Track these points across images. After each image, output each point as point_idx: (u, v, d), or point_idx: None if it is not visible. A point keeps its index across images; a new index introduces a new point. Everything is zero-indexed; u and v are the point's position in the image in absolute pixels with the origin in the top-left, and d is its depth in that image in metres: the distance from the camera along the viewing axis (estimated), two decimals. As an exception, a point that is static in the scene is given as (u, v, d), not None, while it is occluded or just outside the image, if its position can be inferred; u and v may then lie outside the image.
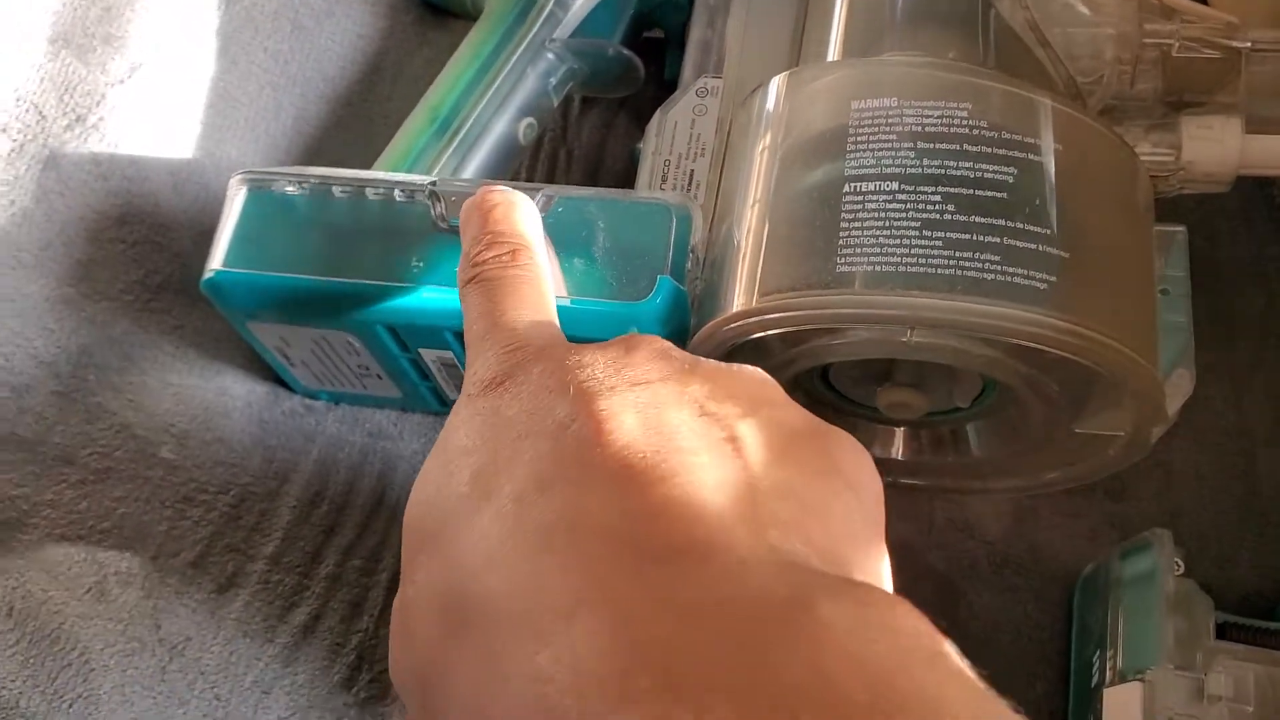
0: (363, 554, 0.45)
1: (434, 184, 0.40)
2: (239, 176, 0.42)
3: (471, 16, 0.51)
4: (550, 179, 0.51)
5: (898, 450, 0.43)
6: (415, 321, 0.39)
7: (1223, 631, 0.39)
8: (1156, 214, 0.40)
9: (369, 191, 0.40)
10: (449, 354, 0.40)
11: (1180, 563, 0.40)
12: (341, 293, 0.39)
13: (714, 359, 0.37)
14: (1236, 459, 0.45)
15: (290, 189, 0.41)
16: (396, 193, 0.40)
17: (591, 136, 0.51)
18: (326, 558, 0.45)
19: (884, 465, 0.43)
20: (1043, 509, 0.44)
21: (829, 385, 0.41)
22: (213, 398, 0.47)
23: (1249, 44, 0.41)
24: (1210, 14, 0.41)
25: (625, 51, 0.48)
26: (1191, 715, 0.38)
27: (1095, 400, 0.37)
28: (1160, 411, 0.37)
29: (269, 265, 0.40)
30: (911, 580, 0.43)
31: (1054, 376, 0.36)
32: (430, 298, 0.38)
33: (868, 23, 0.42)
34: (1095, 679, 0.40)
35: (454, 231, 0.39)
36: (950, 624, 0.41)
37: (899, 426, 0.43)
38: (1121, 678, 0.39)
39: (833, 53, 0.42)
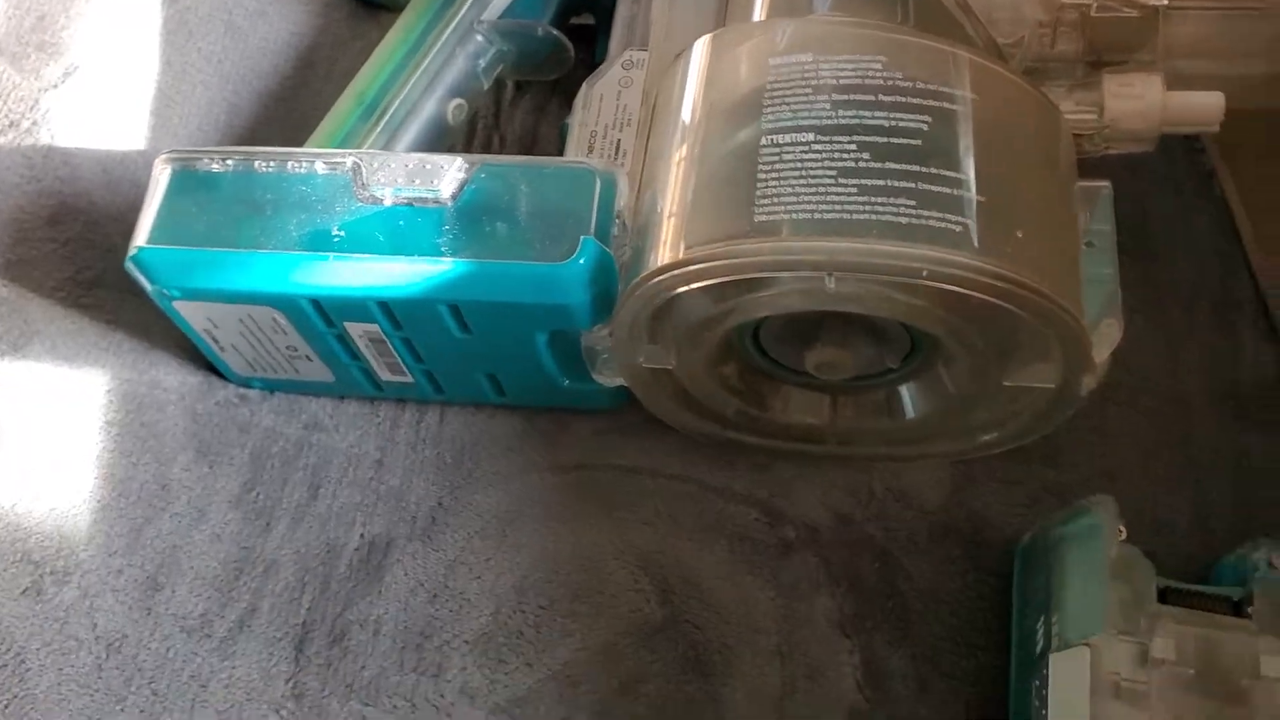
0: (297, 548, 0.44)
1: (356, 157, 0.40)
2: (164, 156, 0.41)
3: (402, 9, 0.51)
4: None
5: (833, 416, 0.43)
6: (336, 291, 0.39)
7: (1163, 596, 0.39)
8: (1088, 176, 0.40)
9: (291, 165, 0.40)
10: (375, 328, 0.40)
11: (1122, 529, 0.40)
12: (264, 265, 0.39)
13: (643, 318, 0.37)
14: (1172, 424, 0.45)
15: (214, 166, 0.41)
16: (319, 165, 0.40)
17: (524, 120, 0.52)
18: (260, 552, 0.44)
19: (820, 433, 0.43)
20: (980, 477, 0.44)
21: (762, 351, 0.41)
22: (145, 391, 0.46)
23: (1165, 2, 0.41)
24: (1129, -26, 0.42)
25: (554, 32, 0.48)
26: (1136, 680, 0.37)
27: (1022, 351, 0.37)
28: (1088, 360, 0.37)
29: (192, 240, 0.39)
30: (851, 553, 0.43)
31: (978, 325, 0.36)
32: (352, 266, 0.38)
33: (791, -9, 0.43)
34: (1039, 646, 0.40)
35: (376, 203, 0.39)
36: (889, 595, 0.42)
37: (831, 390, 0.42)
38: (1065, 644, 0.39)
39: (757, 18, 0.42)
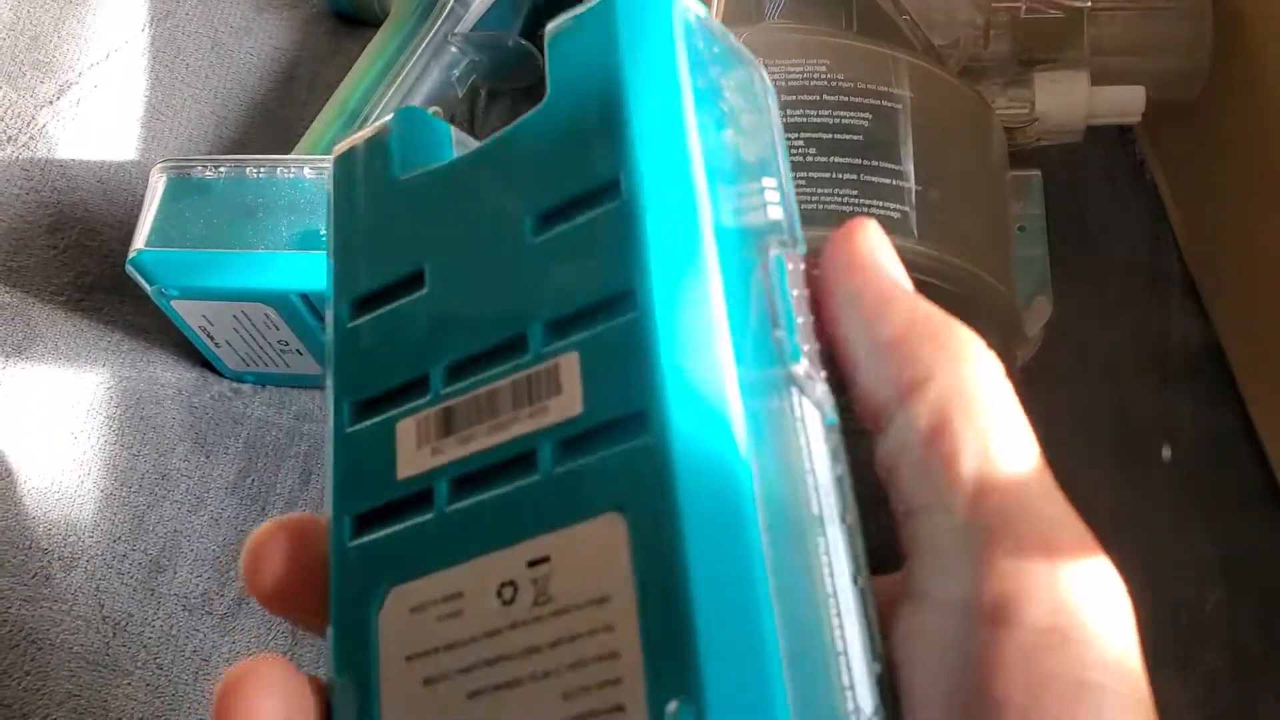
0: (292, 529, 0.47)
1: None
2: (160, 165, 0.44)
3: (380, 23, 0.54)
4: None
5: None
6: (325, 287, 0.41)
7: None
8: (1023, 166, 0.43)
9: (281, 171, 0.43)
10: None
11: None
12: (256, 263, 0.41)
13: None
14: (1106, 394, 0.48)
15: (208, 173, 0.43)
16: (307, 170, 0.43)
17: (497, 127, 0.54)
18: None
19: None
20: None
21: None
22: (144, 387, 0.49)
23: (1089, 4, 0.45)
24: (1055, -22, 0.45)
25: (523, 43, 0.51)
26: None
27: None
28: (1019, 332, 0.40)
29: (188, 242, 0.42)
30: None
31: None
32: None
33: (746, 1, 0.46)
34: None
35: (361, 203, 0.42)
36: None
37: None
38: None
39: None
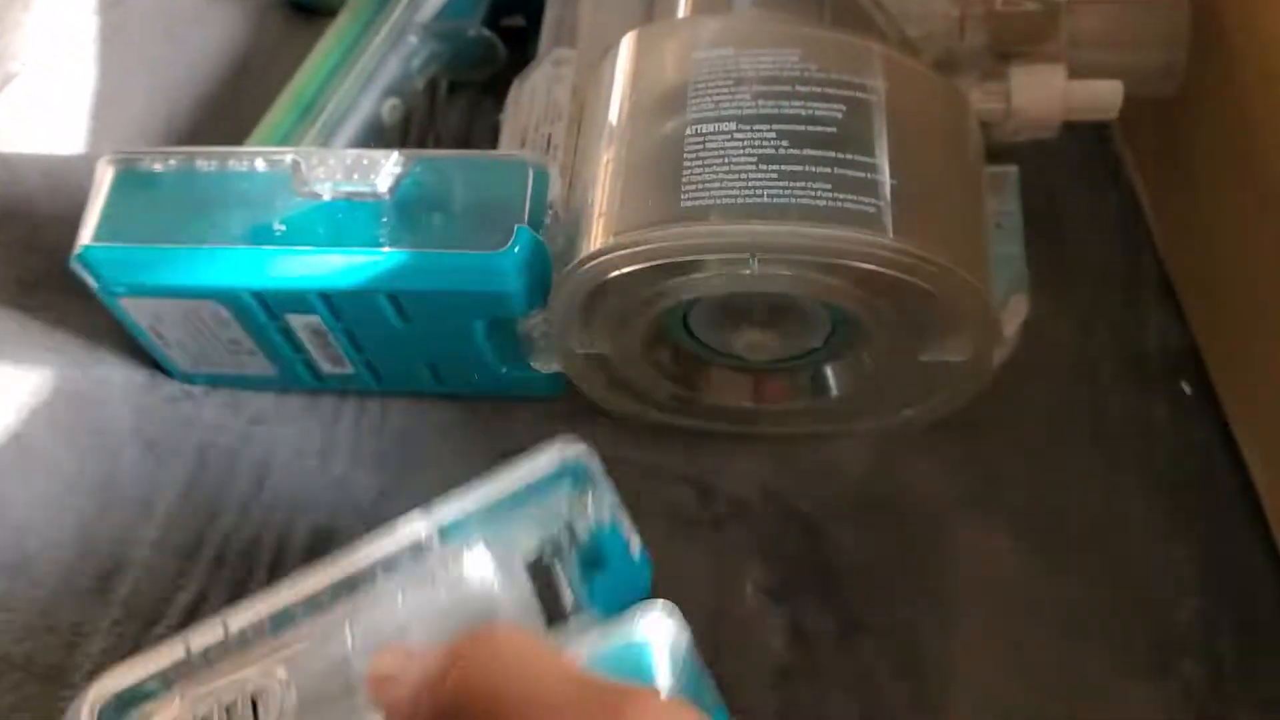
0: (245, 537, 0.45)
1: (296, 154, 0.41)
2: (107, 157, 0.42)
3: (336, 13, 0.52)
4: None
5: (763, 397, 0.45)
6: (278, 284, 0.40)
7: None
8: (999, 161, 0.42)
9: (232, 163, 0.41)
10: (316, 319, 0.41)
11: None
12: (207, 259, 0.40)
13: (576, 303, 0.39)
14: (1082, 394, 0.47)
15: (157, 166, 0.42)
16: (259, 163, 0.41)
17: (458, 119, 0.53)
18: (209, 541, 0.45)
19: (750, 413, 0.45)
20: (902, 449, 0.46)
21: (693, 335, 0.43)
22: (91, 389, 0.47)
23: (1068, -3, 0.44)
24: (1031, -30, 0.44)
25: (485, 32, 0.50)
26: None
27: (934, 326, 0.39)
28: (996, 333, 0.39)
29: (136, 238, 0.40)
30: (780, 525, 0.45)
31: (892, 302, 0.38)
32: (293, 258, 0.39)
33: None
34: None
35: (315, 198, 0.40)
36: (816, 562, 0.43)
37: (759, 371, 0.44)
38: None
39: (682, 14, 0.44)
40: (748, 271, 0.37)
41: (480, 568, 0.36)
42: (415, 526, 0.37)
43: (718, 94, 0.38)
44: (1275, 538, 0.43)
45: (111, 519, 0.45)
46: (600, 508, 0.38)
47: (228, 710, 0.34)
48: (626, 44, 0.42)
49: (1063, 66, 0.43)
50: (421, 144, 0.52)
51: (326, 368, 0.45)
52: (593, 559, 0.37)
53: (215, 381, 0.48)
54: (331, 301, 0.40)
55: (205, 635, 0.36)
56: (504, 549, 0.37)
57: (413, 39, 0.49)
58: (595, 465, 0.38)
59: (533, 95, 0.45)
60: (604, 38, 0.43)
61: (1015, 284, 0.41)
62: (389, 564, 0.36)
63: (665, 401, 0.45)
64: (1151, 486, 0.45)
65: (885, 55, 0.40)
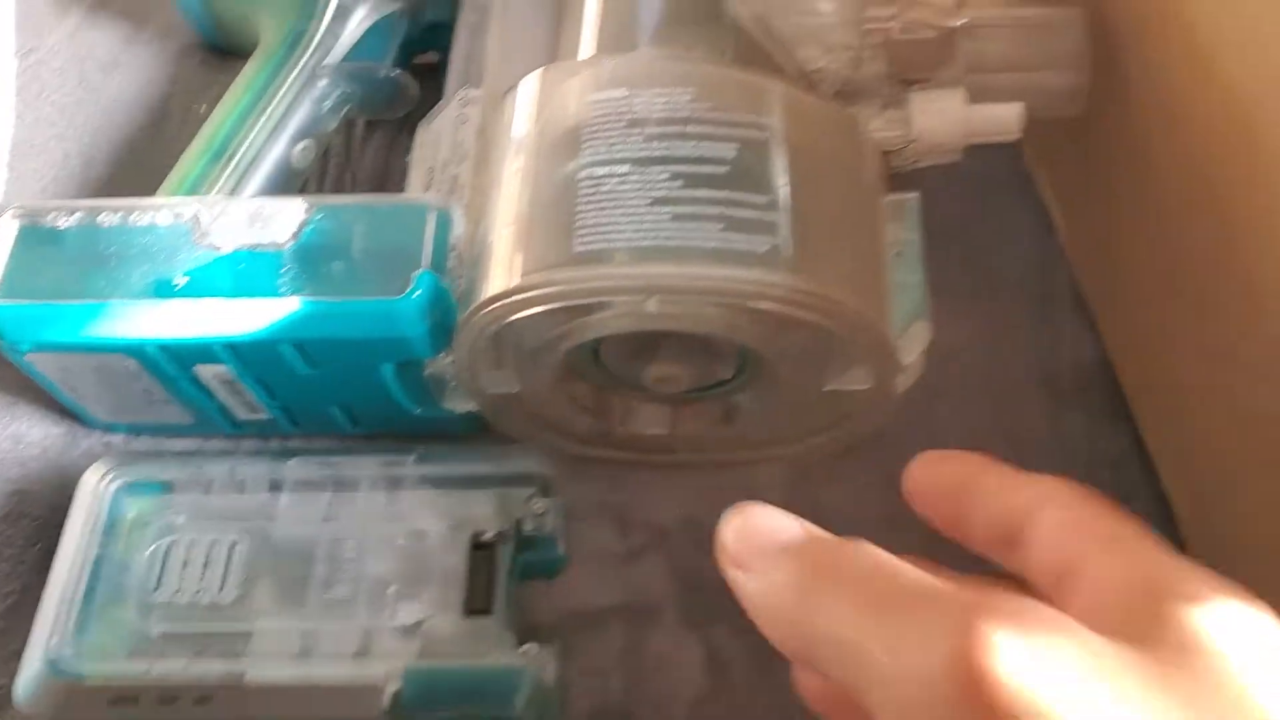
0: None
1: (199, 205, 0.41)
2: (10, 213, 0.42)
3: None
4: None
5: (677, 426, 0.45)
6: (182, 337, 0.40)
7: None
8: (906, 186, 0.42)
9: (134, 218, 0.41)
10: (224, 369, 0.41)
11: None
12: (111, 314, 0.40)
13: (481, 345, 0.39)
14: (998, 410, 0.47)
15: (60, 221, 0.42)
16: (162, 216, 0.41)
17: (376, 157, 0.53)
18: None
19: (667, 442, 0.45)
20: (818, 472, 0.46)
21: (605, 368, 0.43)
22: (8, 447, 0.47)
23: (963, 21, 0.44)
24: (927, -3, 0.44)
25: (396, 72, 0.50)
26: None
27: (835, 358, 0.40)
28: (895, 362, 0.39)
29: (40, 294, 0.40)
30: (697, 552, 0.45)
31: (791, 336, 0.38)
32: (195, 311, 0.39)
33: (617, 25, 0.45)
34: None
35: (216, 249, 0.40)
36: (733, 594, 0.44)
37: (673, 402, 0.44)
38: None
39: (584, 55, 0.44)
40: (647, 311, 0.37)
41: (434, 522, 0.42)
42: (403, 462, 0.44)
43: (611, 136, 0.38)
44: (1188, 548, 0.44)
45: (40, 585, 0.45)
46: (550, 518, 0.42)
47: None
48: (527, 85, 0.42)
49: (962, 91, 0.44)
50: (340, 183, 0.52)
51: (242, 414, 0.45)
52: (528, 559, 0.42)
53: (136, 430, 0.48)
54: (237, 351, 0.41)
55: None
56: (459, 516, 0.42)
57: (323, 81, 0.49)
58: (555, 480, 0.43)
59: (439, 136, 0.45)
60: (509, 78, 0.44)
61: (916, 311, 0.41)
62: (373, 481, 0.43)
63: (583, 434, 0.45)
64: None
65: (781, 91, 0.40)
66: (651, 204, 0.37)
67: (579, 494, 0.46)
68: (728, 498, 0.45)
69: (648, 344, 0.42)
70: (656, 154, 0.38)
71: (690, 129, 0.38)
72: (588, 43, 0.44)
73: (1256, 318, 0.37)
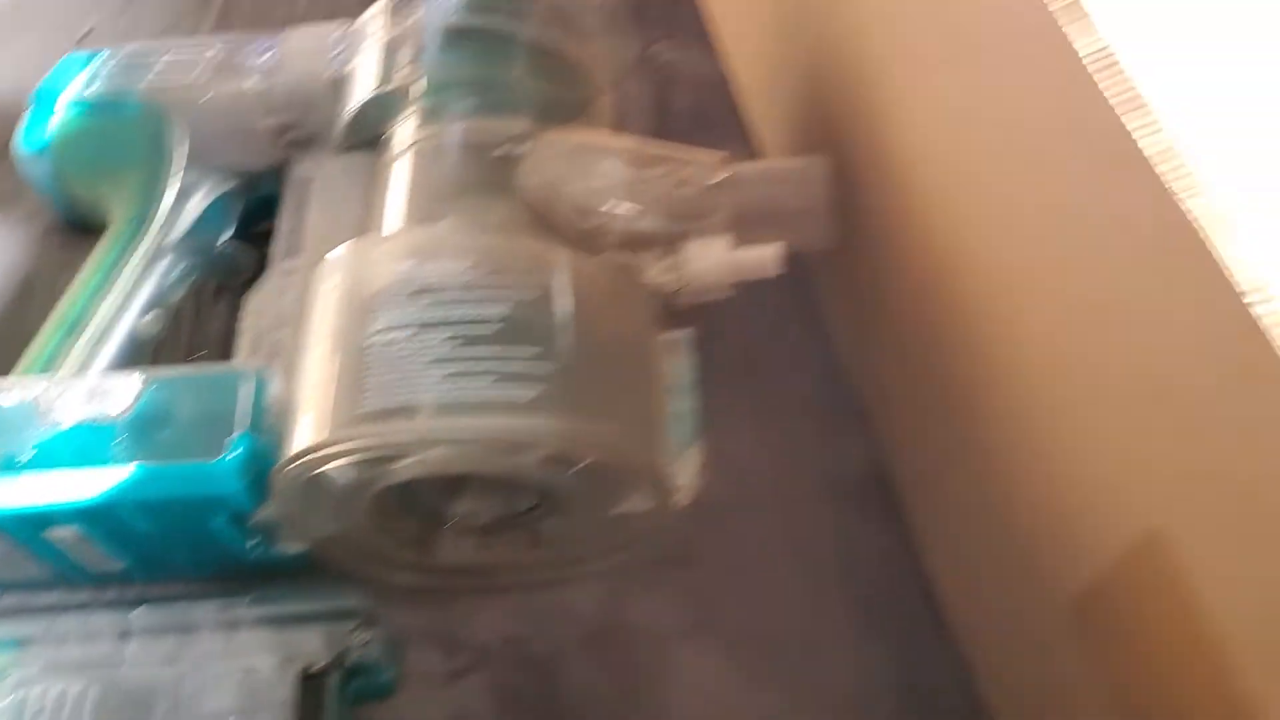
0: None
1: (46, 382, 0.46)
2: (-125, 396, 0.47)
3: (111, 230, 0.57)
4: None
5: (491, 554, 0.50)
6: (30, 507, 0.44)
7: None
8: (700, 320, 0.48)
9: (-15, 397, 0.46)
10: (72, 531, 0.46)
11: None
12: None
13: (293, 498, 0.44)
14: (788, 521, 0.52)
15: (-90, 405, 0.46)
16: (9, 396, 0.46)
17: (223, 321, 0.58)
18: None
19: (490, 570, 0.50)
20: (625, 586, 0.51)
21: (421, 503, 0.48)
22: None
23: (725, 176, 0.50)
24: (695, 155, 0.50)
25: (236, 243, 0.55)
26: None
27: (616, 487, 0.45)
28: (669, 486, 0.45)
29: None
30: (517, 669, 0.49)
31: (573, 472, 0.43)
32: (38, 483, 0.44)
33: (422, 200, 0.50)
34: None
35: (57, 425, 0.45)
36: (551, 702, 0.48)
37: (486, 531, 0.49)
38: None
39: (390, 228, 0.49)
40: (433, 460, 0.42)
41: (267, 658, 0.45)
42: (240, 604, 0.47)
43: (400, 303, 0.43)
44: (958, 642, 0.49)
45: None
46: (374, 647, 0.46)
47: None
48: (337, 256, 0.47)
49: (727, 238, 0.49)
50: (190, 348, 0.57)
51: (96, 568, 0.49)
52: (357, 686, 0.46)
53: (4, 586, 0.52)
54: (82, 515, 0.45)
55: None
56: (290, 651, 0.46)
57: (168, 256, 0.54)
58: (379, 612, 0.47)
59: (263, 304, 0.50)
60: (325, 249, 0.49)
61: (690, 438, 0.46)
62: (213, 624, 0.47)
63: (407, 566, 0.50)
64: (850, 600, 0.50)
65: (555, 253, 0.45)
66: (430, 364, 0.42)
67: (408, 620, 0.50)
68: (546, 615, 0.51)
69: (454, 482, 0.47)
70: (436, 318, 0.43)
71: (467, 294, 0.43)
72: (395, 217, 0.50)
73: (985, 426, 0.43)
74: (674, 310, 0.50)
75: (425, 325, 0.43)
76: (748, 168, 0.51)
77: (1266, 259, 0.26)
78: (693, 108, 0.65)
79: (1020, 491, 0.41)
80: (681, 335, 0.49)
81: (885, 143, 0.47)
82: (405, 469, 0.43)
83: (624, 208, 0.49)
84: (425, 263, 0.45)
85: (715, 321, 0.52)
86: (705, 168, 0.50)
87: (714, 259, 0.50)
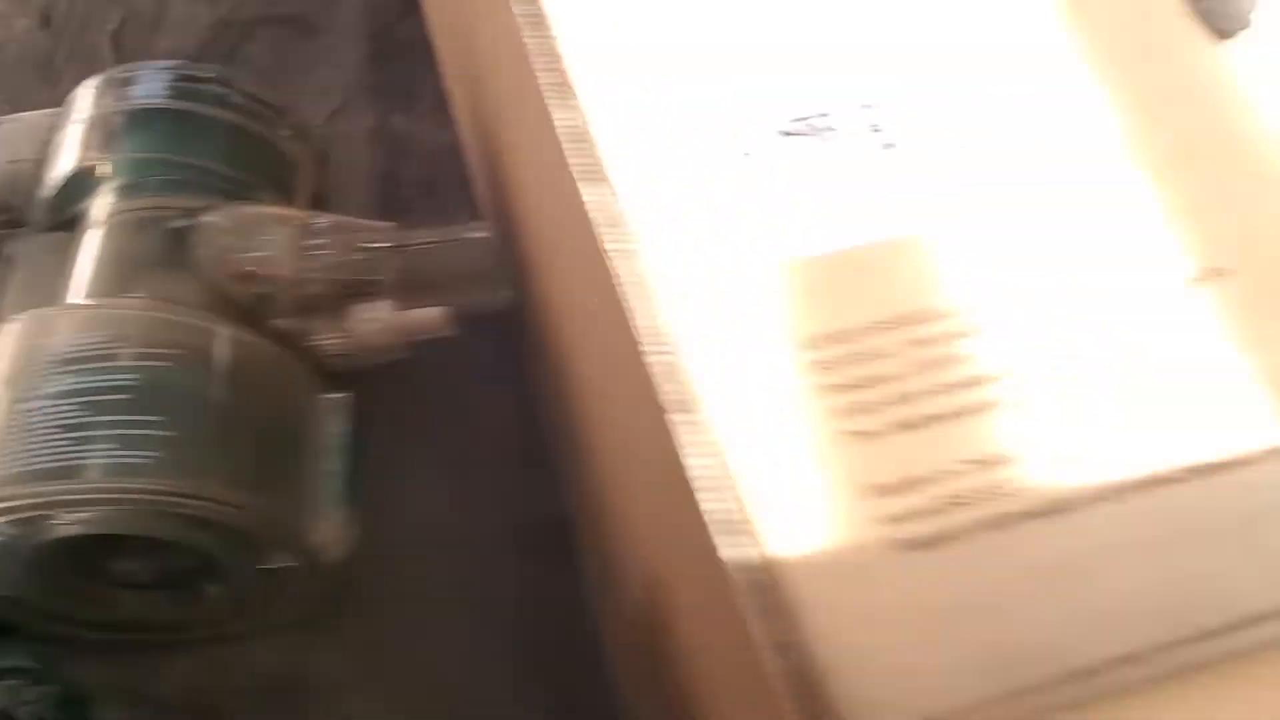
0: None
1: None
2: None
3: None
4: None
5: (163, 611, 0.52)
6: None
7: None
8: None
9: None
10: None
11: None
12: None
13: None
14: (469, 567, 0.54)
15: None
16: None
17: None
18: None
19: (174, 624, 0.52)
20: (310, 636, 0.53)
21: (91, 563, 0.50)
22: None
23: (395, 241, 0.53)
24: (366, 224, 0.53)
25: None
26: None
27: (260, 543, 0.47)
28: (308, 546, 0.47)
29: None
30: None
31: (206, 530, 0.46)
32: None
33: (106, 274, 0.52)
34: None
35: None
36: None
37: (155, 588, 0.51)
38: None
39: (71, 300, 0.52)
40: (61, 522, 0.44)
41: None
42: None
43: (37, 372, 0.46)
44: (618, 684, 0.51)
45: None
46: (42, 705, 0.47)
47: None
48: (10, 327, 0.49)
49: (390, 303, 0.52)
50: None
51: None
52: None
53: None
54: None
55: None
56: None
57: None
58: (49, 669, 0.48)
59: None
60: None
61: (341, 497, 0.48)
62: None
63: (90, 622, 0.52)
64: (520, 645, 0.52)
65: (206, 323, 0.48)
66: (61, 431, 0.44)
67: (96, 674, 0.52)
68: (228, 668, 0.53)
69: (113, 540, 0.49)
70: (70, 387, 0.45)
71: (104, 365, 0.46)
72: (77, 290, 0.52)
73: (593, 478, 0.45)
74: (357, 370, 0.53)
75: (57, 395, 0.45)
76: (415, 233, 0.54)
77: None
78: (423, 177, 0.68)
79: (612, 544, 0.44)
80: (339, 398, 0.51)
81: (522, 210, 0.50)
82: (54, 527, 0.45)
83: (288, 273, 0.51)
84: (70, 335, 0.47)
85: (420, 375, 0.55)
86: (371, 233, 0.53)
87: (381, 322, 0.52)
